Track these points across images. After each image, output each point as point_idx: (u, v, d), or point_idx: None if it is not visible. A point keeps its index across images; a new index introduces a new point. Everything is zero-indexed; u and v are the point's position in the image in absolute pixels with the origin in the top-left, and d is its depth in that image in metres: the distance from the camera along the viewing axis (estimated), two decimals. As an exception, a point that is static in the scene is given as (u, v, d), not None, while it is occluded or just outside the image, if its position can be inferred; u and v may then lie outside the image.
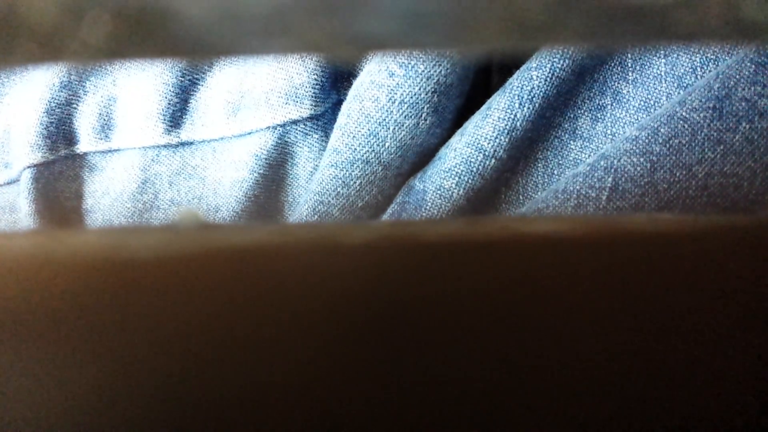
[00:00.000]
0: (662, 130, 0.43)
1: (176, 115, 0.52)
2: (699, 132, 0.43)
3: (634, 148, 0.43)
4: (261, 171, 0.49)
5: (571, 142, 0.45)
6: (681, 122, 0.43)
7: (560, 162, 0.45)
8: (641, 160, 0.43)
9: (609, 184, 0.43)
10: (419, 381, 0.19)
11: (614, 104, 0.45)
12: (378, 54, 0.20)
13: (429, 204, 0.45)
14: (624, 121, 0.44)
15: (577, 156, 0.45)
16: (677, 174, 0.43)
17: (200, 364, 0.19)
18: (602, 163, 0.43)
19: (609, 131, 0.44)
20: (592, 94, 0.45)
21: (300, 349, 0.19)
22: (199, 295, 0.19)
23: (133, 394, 0.19)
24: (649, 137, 0.43)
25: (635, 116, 0.44)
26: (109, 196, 0.53)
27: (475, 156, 0.45)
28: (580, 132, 0.45)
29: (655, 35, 0.19)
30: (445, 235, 0.19)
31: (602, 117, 0.45)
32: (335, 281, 0.19)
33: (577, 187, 0.43)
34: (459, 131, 0.46)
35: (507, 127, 0.45)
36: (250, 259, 0.19)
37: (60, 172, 0.54)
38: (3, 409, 0.19)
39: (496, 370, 0.19)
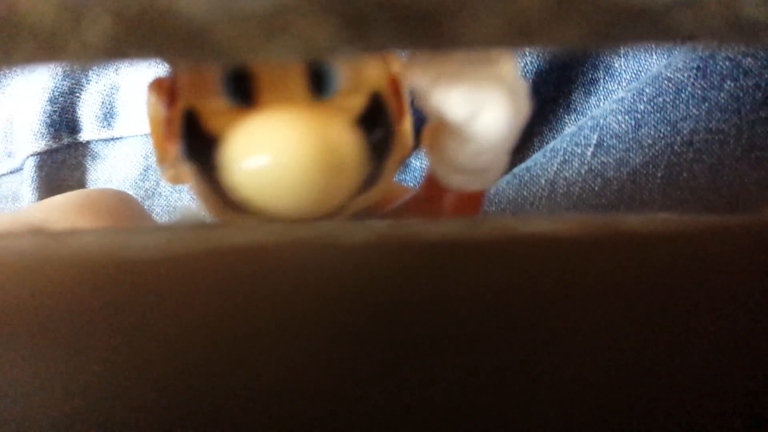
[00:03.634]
0: (647, 90, 0.43)
1: None
2: (683, 90, 0.43)
3: (620, 107, 0.43)
4: None
5: (566, 115, 0.45)
6: (665, 82, 0.43)
7: (555, 136, 0.45)
8: (626, 117, 0.43)
9: (594, 141, 0.43)
10: (418, 380, 0.19)
11: (606, 77, 0.45)
12: (378, 54, 0.20)
13: None
14: (616, 93, 0.44)
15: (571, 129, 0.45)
16: (662, 130, 0.43)
17: (201, 363, 0.19)
18: (589, 122, 0.43)
19: (602, 104, 0.44)
20: (585, 69, 0.45)
21: (300, 347, 0.19)
22: (199, 294, 0.19)
23: (134, 392, 0.19)
24: (634, 97, 0.43)
25: (627, 88, 0.44)
26: (111, 184, 0.53)
27: None
28: (573, 105, 0.45)
29: (655, 35, 0.19)
30: (444, 235, 0.19)
31: (595, 90, 0.45)
32: (335, 280, 0.19)
33: (564, 145, 0.44)
34: None
35: None
36: (250, 258, 0.19)
37: (63, 161, 0.54)
38: (4, 409, 0.19)
39: (495, 369, 0.19)
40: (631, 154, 0.43)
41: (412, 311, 0.19)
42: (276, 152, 0.20)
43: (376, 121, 0.22)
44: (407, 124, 0.23)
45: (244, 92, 0.20)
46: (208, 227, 0.20)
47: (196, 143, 0.21)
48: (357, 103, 0.21)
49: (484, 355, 0.19)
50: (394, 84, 0.23)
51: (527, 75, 0.45)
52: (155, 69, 0.23)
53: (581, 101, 0.45)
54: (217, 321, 0.19)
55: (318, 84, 0.21)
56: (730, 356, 0.19)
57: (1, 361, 0.19)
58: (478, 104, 0.21)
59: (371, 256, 0.19)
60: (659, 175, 0.43)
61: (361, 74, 0.21)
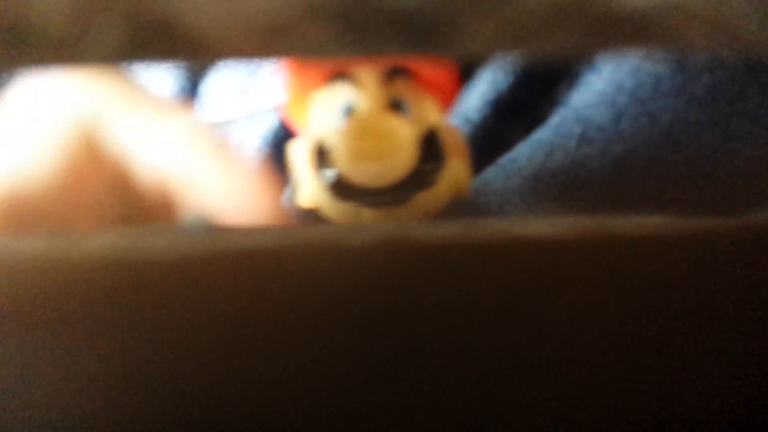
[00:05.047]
0: (627, 82, 0.43)
1: (188, 99, 0.51)
2: (662, 83, 0.43)
3: (601, 100, 0.43)
4: (268, 150, 0.49)
5: (550, 109, 0.45)
6: (645, 75, 0.43)
7: (540, 127, 0.45)
8: (607, 110, 0.43)
9: (578, 133, 0.43)
10: (418, 381, 0.19)
11: (588, 71, 0.45)
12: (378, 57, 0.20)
13: None
14: (597, 86, 0.44)
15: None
16: (641, 122, 0.43)
17: (207, 364, 0.19)
18: (572, 115, 0.43)
19: (584, 96, 0.45)
20: (568, 63, 0.45)
21: (303, 349, 0.19)
22: (208, 295, 0.19)
23: (143, 394, 0.19)
24: (615, 90, 0.43)
25: (608, 80, 0.45)
26: None
27: (463, 126, 0.45)
28: (557, 99, 0.45)
29: (647, 44, 0.19)
30: (444, 238, 0.19)
31: (577, 83, 0.45)
32: (337, 283, 0.19)
33: (549, 137, 0.44)
34: None
35: (492, 97, 0.45)
36: (256, 260, 0.19)
37: None
38: (16, 411, 0.19)
39: (493, 371, 0.19)
40: (612, 146, 0.44)
41: (412, 311, 0.19)
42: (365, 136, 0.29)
43: (430, 146, 0.30)
44: (458, 165, 0.31)
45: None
46: (216, 231, 0.20)
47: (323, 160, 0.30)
48: (419, 128, 0.30)
49: (482, 354, 0.19)
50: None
51: (515, 70, 0.45)
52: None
53: (564, 94, 0.45)
54: (224, 321, 0.19)
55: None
56: (724, 355, 0.19)
57: (14, 360, 0.19)
58: None
59: (372, 259, 0.19)
60: (639, 165, 0.43)
61: (422, 112, 0.30)
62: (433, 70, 0.30)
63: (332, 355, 0.19)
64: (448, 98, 0.32)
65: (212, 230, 0.20)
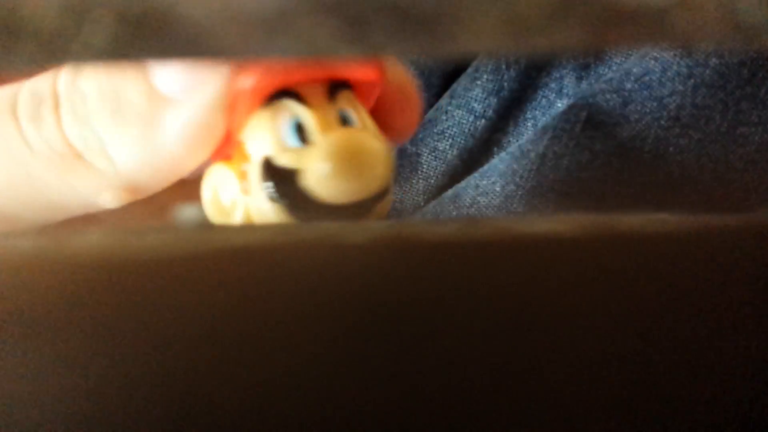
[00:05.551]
0: (634, 69, 0.43)
1: None
2: (669, 68, 0.43)
3: (608, 86, 0.43)
4: None
5: (558, 100, 0.45)
6: (652, 61, 0.43)
7: (547, 120, 0.45)
8: (614, 96, 0.43)
9: (583, 118, 0.43)
10: (418, 380, 0.19)
11: (597, 62, 0.45)
12: (379, 55, 0.20)
13: (424, 166, 0.45)
14: (607, 77, 0.44)
15: None
16: (648, 106, 0.43)
17: (202, 364, 0.19)
18: (578, 102, 0.43)
19: (591, 84, 0.44)
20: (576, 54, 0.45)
21: (301, 348, 0.19)
22: (201, 296, 0.18)
23: (136, 394, 0.19)
24: (622, 77, 0.43)
25: (615, 69, 0.44)
26: None
27: (466, 117, 0.45)
28: (565, 91, 0.45)
29: (652, 38, 0.18)
30: (445, 236, 0.19)
31: (586, 75, 0.45)
32: (336, 281, 0.19)
33: (554, 123, 0.43)
34: (447, 94, 0.46)
35: (495, 88, 0.45)
36: (251, 259, 0.19)
37: None
38: (6, 411, 0.18)
39: (495, 369, 0.19)
40: (618, 129, 0.43)
41: (412, 310, 0.19)
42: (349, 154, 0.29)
43: None
44: None
45: (302, 137, 0.29)
46: (210, 228, 0.20)
47: (276, 178, 0.29)
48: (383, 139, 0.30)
49: (484, 353, 0.19)
50: None
51: (519, 60, 0.45)
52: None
53: (573, 86, 0.45)
54: (220, 320, 0.18)
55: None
56: (728, 354, 0.19)
57: (3, 362, 0.18)
58: None
59: (372, 256, 0.19)
60: (646, 149, 0.43)
61: (366, 123, 0.30)
62: (368, 82, 0.30)
63: (331, 353, 0.19)
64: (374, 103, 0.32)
65: (208, 227, 0.20)
